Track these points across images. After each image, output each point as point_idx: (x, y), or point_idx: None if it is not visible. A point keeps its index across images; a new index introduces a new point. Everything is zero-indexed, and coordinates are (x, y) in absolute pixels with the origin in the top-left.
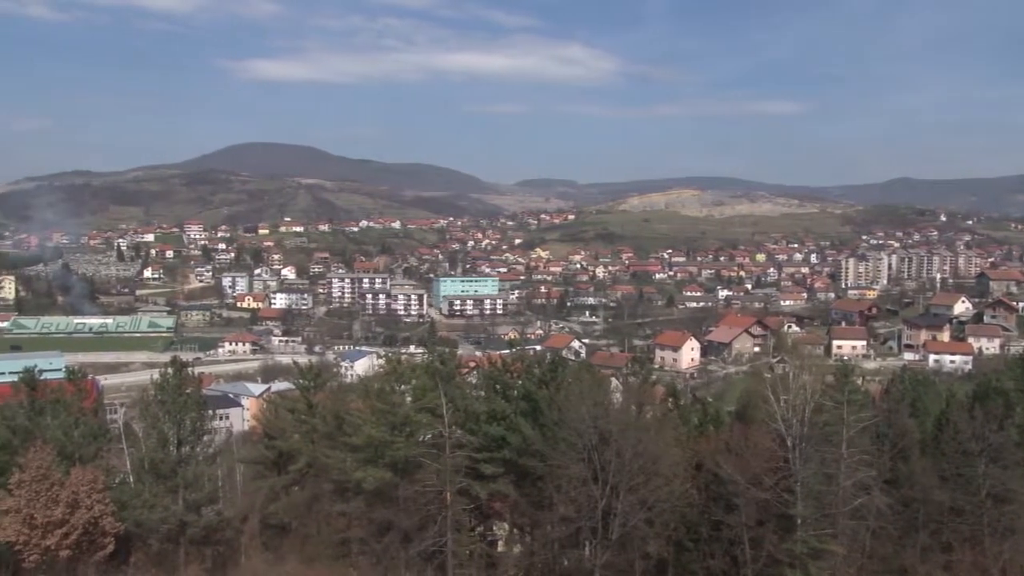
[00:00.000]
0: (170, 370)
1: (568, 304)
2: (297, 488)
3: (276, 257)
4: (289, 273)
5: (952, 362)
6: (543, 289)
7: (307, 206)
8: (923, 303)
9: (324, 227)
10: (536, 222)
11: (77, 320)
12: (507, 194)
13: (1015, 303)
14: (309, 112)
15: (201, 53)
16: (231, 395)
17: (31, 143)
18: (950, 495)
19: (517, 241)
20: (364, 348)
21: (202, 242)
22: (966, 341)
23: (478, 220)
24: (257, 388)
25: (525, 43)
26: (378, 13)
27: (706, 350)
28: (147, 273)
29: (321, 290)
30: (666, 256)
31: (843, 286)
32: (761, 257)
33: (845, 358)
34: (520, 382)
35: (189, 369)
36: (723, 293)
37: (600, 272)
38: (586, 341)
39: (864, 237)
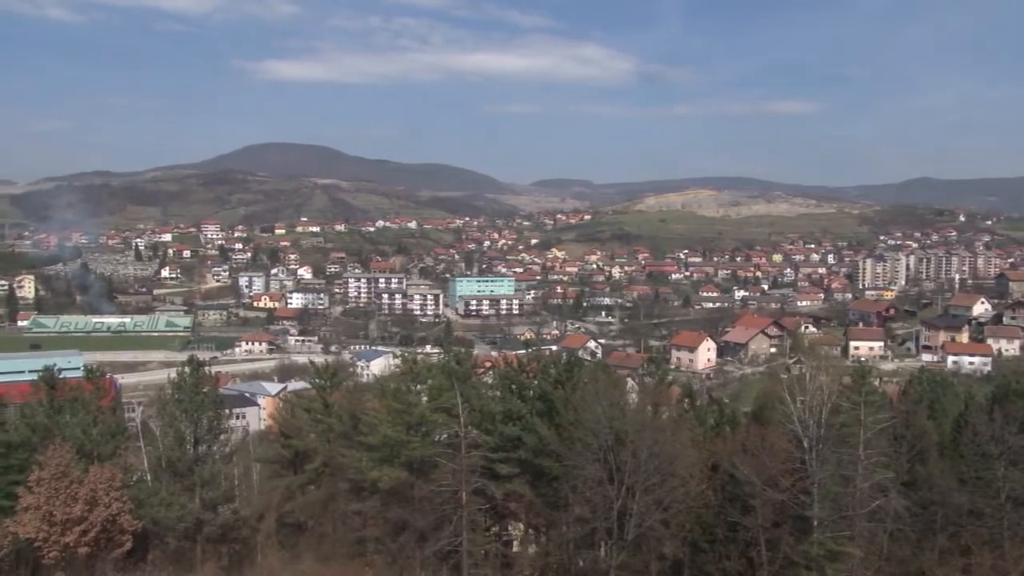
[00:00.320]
0: (187, 369)
1: (584, 304)
2: (313, 487)
3: (292, 257)
4: (305, 273)
5: (971, 363)
6: (559, 289)
7: (324, 206)
8: (941, 304)
9: (340, 227)
10: (552, 222)
11: (95, 319)
12: (523, 194)
13: None
14: (326, 112)
15: (219, 54)
16: (247, 394)
17: (51, 144)
18: (969, 498)
19: (533, 241)
20: (380, 348)
21: (219, 242)
22: (985, 342)
23: (494, 220)
24: (273, 387)
25: (540, 43)
26: (394, 13)
27: (722, 351)
28: (165, 273)
29: (337, 290)
30: (682, 256)
31: (860, 287)
32: (778, 257)
33: (862, 359)
34: (536, 382)
35: (206, 368)
36: (739, 293)
37: (616, 272)
38: (602, 341)
39: (882, 237)
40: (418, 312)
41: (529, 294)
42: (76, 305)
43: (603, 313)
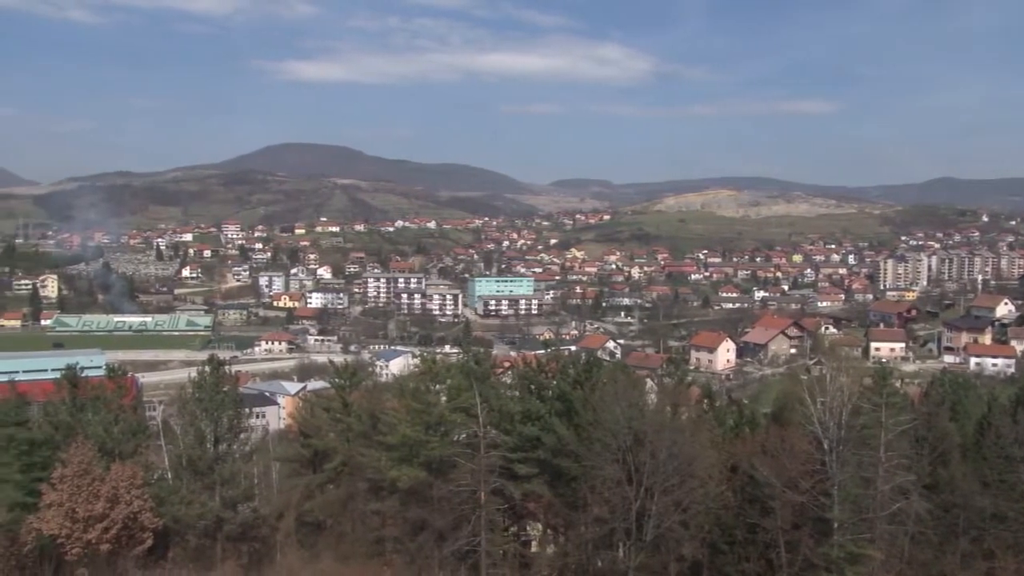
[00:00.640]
0: (207, 368)
1: (603, 304)
2: (332, 486)
3: (312, 257)
4: (325, 273)
5: (994, 365)
6: (578, 289)
7: (343, 206)
8: (964, 305)
9: (360, 227)
10: (571, 222)
11: (117, 318)
12: (542, 194)
13: None
14: (345, 112)
15: (239, 54)
16: (267, 393)
17: (74, 145)
18: (992, 501)
19: (552, 241)
20: (399, 348)
21: (239, 242)
22: (1008, 344)
23: (513, 220)
24: (293, 387)
25: (560, 43)
26: (413, 14)
27: (742, 351)
28: (185, 272)
29: (357, 290)
30: (702, 257)
31: (881, 287)
32: (798, 258)
33: (883, 360)
34: (555, 382)
35: (226, 367)
36: (759, 294)
37: (635, 272)
38: (621, 342)
39: (903, 238)
40: (437, 312)
41: (548, 294)
42: (98, 304)
43: (622, 313)
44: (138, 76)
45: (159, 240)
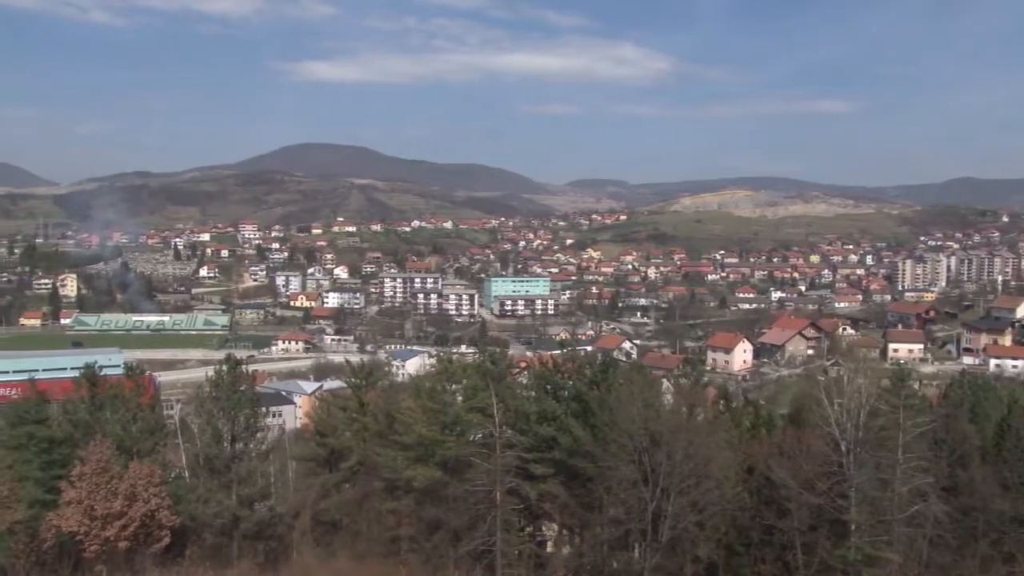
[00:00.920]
0: (225, 367)
1: (619, 305)
2: (348, 485)
3: (329, 257)
4: (342, 272)
5: (1014, 367)
6: (594, 289)
7: (360, 206)
8: (984, 306)
9: (376, 227)
10: (588, 222)
11: (135, 317)
12: (558, 194)
13: None
14: (362, 113)
15: (256, 55)
16: (284, 393)
17: (93, 145)
18: (1012, 504)
19: (568, 241)
20: (415, 347)
21: (256, 242)
22: None
23: (530, 220)
24: (309, 386)
25: (577, 43)
26: (430, 14)
27: (759, 352)
28: (203, 272)
29: (373, 289)
30: (718, 257)
31: (900, 288)
32: (815, 258)
33: (901, 361)
34: (571, 383)
35: (243, 367)
36: (776, 295)
37: (652, 273)
38: (637, 342)
39: (922, 238)
40: (453, 312)
41: (564, 294)
42: (117, 303)
43: (638, 314)
44: (157, 77)
45: (177, 240)
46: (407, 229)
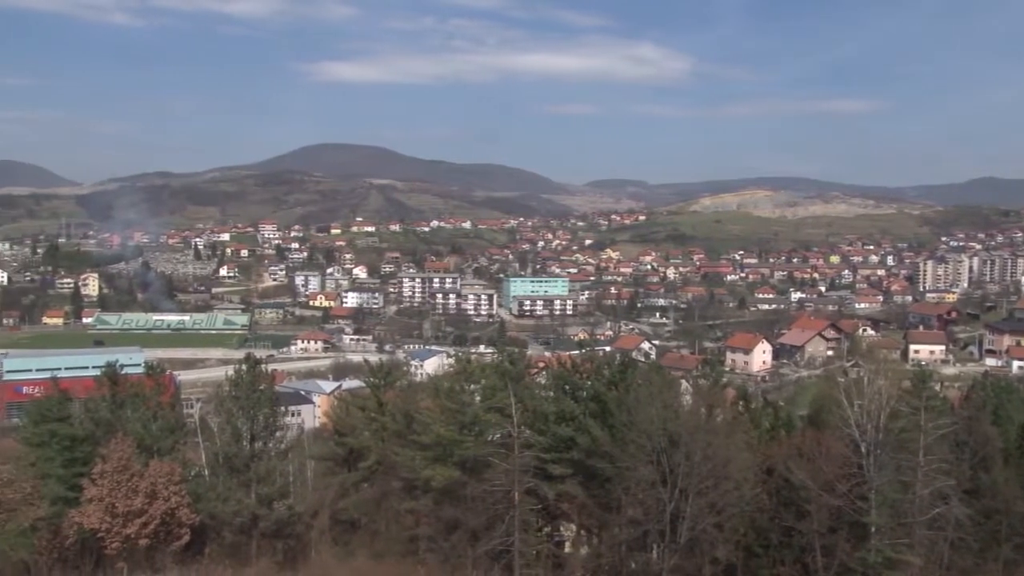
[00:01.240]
0: (244, 367)
1: (638, 305)
2: (366, 485)
3: (348, 256)
4: (360, 272)
5: None
6: (613, 290)
7: (379, 206)
8: (1006, 307)
9: (395, 227)
10: (606, 223)
11: (156, 317)
12: (577, 194)
13: None
14: (381, 113)
15: (276, 56)
16: (303, 392)
17: (115, 146)
18: None
19: (587, 242)
20: (434, 347)
21: (276, 241)
22: None
23: (548, 220)
24: (328, 386)
25: (596, 43)
26: (449, 14)
27: (778, 353)
28: (223, 272)
29: (392, 289)
30: (738, 257)
31: (921, 289)
32: (835, 259)
33: (923, 363)
34: (589, 383)
35: (262, 366)
36: (796, 295)
37: (671, 273)
38: (656, 342)
39: (944, 239)
40: (472, 312)
41: (583, 294)
42: (137, 303)
43: (657, 314)
44: (178, 78)
45: (197, 240)
46: (426, 229)
